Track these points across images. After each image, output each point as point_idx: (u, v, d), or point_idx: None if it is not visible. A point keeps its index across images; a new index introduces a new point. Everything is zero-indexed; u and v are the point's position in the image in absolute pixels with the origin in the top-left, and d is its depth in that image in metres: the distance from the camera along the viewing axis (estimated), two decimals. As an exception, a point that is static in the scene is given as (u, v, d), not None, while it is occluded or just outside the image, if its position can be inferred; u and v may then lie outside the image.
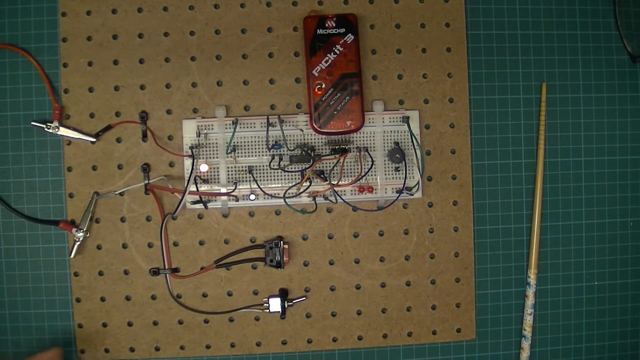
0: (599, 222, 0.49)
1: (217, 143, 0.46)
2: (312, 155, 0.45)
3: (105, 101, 0.46)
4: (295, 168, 0.46)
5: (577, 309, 0.49)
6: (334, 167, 0.46)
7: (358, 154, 0.46)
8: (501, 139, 0.49)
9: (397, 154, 0.46)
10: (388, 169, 0.46)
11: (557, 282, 0.49)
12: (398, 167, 0.46)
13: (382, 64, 0.47)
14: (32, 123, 0.46)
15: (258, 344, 0.47)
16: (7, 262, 0.46)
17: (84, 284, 0.46)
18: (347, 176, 0.46)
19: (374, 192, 0.46)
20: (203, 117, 0.46)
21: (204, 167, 0.45)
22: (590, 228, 0.49)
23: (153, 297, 0.47)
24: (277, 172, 0.46)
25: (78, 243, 0.45)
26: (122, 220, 0.46)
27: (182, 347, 0.47)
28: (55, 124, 0.45)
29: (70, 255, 0.46)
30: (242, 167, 0.46)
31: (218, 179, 0.46)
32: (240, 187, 0.46)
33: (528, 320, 0.48)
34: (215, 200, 0.46)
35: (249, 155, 0.46)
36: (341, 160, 0.45)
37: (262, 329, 0.47)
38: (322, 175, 0.45)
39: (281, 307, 0.46)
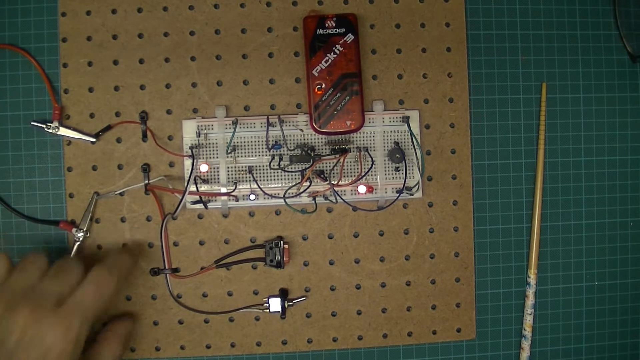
0: (599, 222, 0.49)
1: (217, 143, 0.46)
2: (312, 155, 0.45)
3: (105, 101, 0.46)
4: (295, 168, 0.46)
5: (577, 309, 0.49)
6: (334, 167, 0.46)
7: (358, 154, 0.46)
8: (501, 139, 0.49)
9: (397, 154, 0.46)
10: (388, 169, 0.46)
11: (557, 282, 0.49)
12: (398, 167, 0.46)
13: (382, 64, 0.47)
14: (32, 123, 0.46)
15: (258, 344, 0.47)
16: (7, 262, 0.46)
17: (84, 284, 0.46)
18: (347, 176, 0.46)
19: (374, 192, 0.46)
20: (203, 117, 0.46)
21: (204, 167, 0.45)
22: (590, 228, 0.49)
23: (153, 297, 0.47)
24: (277, 172, 0.46)
25: (78, 243, 0.45)
26: (122, 220, 0.46)
27: (182, 347, 0.47)
28: (55, 124, 0.45)
29: (70, 255, 0.45)
30: (242, 167, 0.46)
31: (218, 179, 0.46)
32: (240, 187, 0.46)
33: (528, 320, 0.48)
34: (215, 200, 0.46)
35: (249, 155, 0.46)
36: (341, 160, 0.45)
37: (262, 329, 0.47)
38: (322, 175, 0.45)
39: (281, 307, 0.46)
